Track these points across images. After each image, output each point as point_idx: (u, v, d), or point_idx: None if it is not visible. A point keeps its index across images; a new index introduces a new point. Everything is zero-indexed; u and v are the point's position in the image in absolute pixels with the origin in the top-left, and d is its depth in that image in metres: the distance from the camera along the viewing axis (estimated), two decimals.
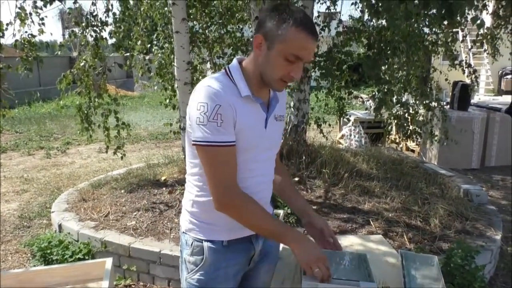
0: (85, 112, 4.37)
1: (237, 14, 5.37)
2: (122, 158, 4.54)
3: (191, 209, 1.44)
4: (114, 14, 4.59)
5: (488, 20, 5.90)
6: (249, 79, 1.35)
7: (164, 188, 4.07)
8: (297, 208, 1.61)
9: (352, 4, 5.08)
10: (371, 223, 3.43)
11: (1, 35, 3.54)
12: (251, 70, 1.36)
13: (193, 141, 1.29)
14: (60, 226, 3.60)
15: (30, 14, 3.75)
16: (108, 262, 2.19)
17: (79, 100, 4.38)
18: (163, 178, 4.28)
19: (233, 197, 1.32)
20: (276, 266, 1.64)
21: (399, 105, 4.60)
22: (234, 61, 1.40)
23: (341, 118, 6.14)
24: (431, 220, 3.47)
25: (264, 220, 1.35)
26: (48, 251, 3.12)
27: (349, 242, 2.27)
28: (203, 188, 1.38)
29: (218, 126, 1.25)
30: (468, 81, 5.84)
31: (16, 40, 3.75)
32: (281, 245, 1.85)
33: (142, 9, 4.94)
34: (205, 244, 1.40)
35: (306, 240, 1.36)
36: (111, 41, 5.00)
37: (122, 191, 4.14)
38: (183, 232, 1.47)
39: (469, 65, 5.23)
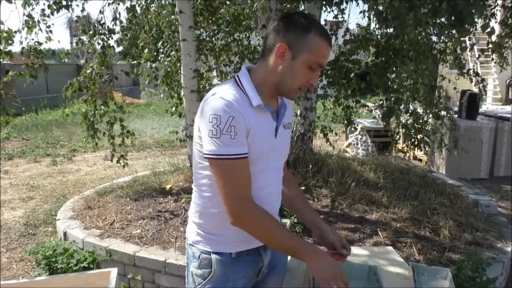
0: (91, 120, 4.36)
1: (244, 22, 5.38)
2: (124, 167, 4.51)
3: (198, 221, 1.41)
4: (121, 22, 4.60)
5: (496, 29, 5.86)
6: (259, 88, 1.32)
7: (169, 196, 4.04)
8: (308, 220, 1.56)
9: (360, 12, 5.07)
10: (379, 233, 3.37)
11: (11, 42, 3.56)
12: (263, 79, 1.33)
13: (206, 154, 1.26)
14: (65, 234, 3.58)
15: (38, 22, 3.77)
16: (113, 272, 2.16)
17: (85, 107, 4.37)
18: (168, 186, 4.26)
19: (247, 210, 1.28)
20: (284, 278, 1.60)
21: (407, 114, 4.55)
22: (243, 69, 1.37)
23: (348, 127, 6.10)
24: (440, 230, 3.41)
25: (281, 235, 1.31)
26: (53, 259, 3.09)
27: (359, 253, 2.23)
28: (213, 200, 1.34)
29: (232, 139, 1.22)
30: (476, 90, 5.78)
31: (23, 48, 3.77)
32: (289, 257, 1.82)
33: (149, 17, 4.96)
34: (213, 257, 1.37)
35: (324, 257, 1.32)
36: (118, 49, 5.01)
37: (128, 199, 4.11)
38: (190, 245, 1.44)
39: (476, 74, 5.19)
